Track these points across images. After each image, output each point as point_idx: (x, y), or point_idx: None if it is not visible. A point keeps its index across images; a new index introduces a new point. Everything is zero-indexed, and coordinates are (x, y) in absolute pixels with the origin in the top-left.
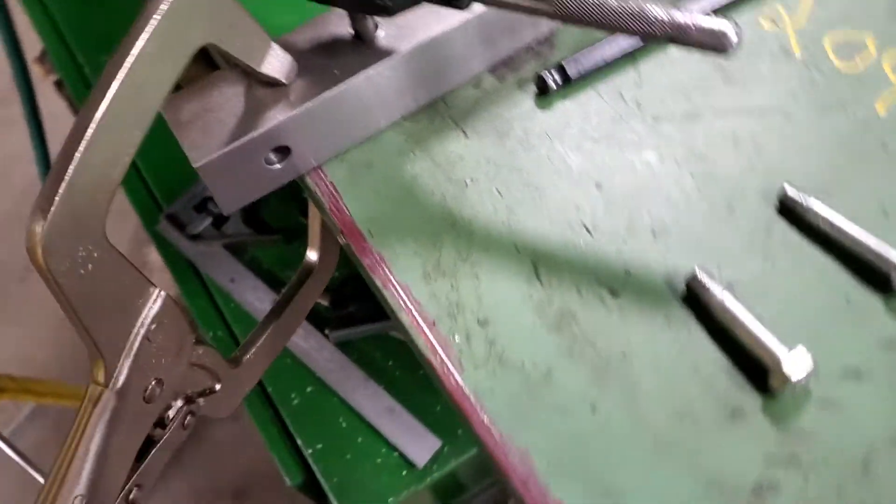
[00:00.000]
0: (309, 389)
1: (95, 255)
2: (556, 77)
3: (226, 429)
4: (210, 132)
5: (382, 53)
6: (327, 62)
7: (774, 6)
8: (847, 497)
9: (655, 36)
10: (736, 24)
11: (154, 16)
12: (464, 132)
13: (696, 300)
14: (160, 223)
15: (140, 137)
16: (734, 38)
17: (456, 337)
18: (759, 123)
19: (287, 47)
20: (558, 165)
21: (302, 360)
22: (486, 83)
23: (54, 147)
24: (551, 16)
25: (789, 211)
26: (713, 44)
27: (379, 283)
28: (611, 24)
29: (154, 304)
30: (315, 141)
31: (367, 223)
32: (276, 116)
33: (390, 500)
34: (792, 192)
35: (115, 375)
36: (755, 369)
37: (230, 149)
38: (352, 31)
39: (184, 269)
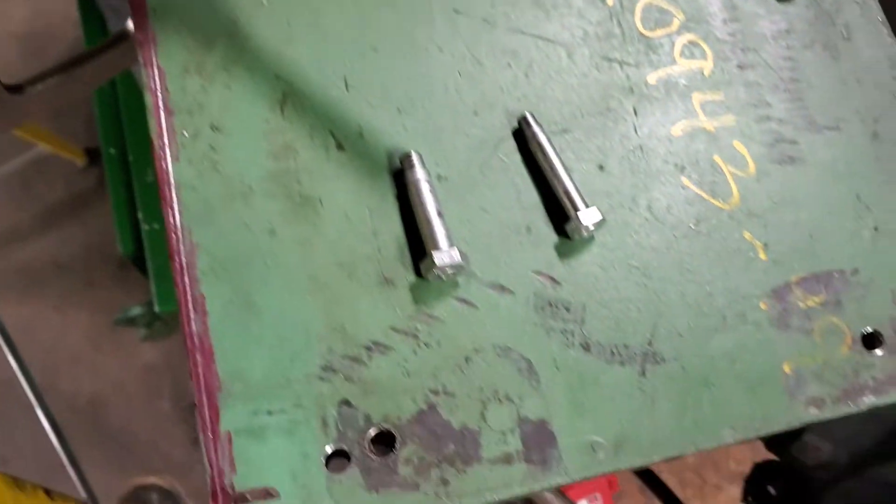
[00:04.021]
0: None
1: None
2: None
3: None
4: None
5: None
6: None
7: None
8: (440, 378)
9: None
10: None
11: None
12: None
13: (401, 176)
14: None
15: None
16: None
17: (185, 132)
18: (541, 52)
19: None
20: (363, 14)
21: None
22: None
23: None
24: None
25: (521, 134)
26: None
27: (141, 60)
28: None
29: None
30: None
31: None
32: None
33: None
34: (530, 119)
35: None
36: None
37: None
38: None
39: None
